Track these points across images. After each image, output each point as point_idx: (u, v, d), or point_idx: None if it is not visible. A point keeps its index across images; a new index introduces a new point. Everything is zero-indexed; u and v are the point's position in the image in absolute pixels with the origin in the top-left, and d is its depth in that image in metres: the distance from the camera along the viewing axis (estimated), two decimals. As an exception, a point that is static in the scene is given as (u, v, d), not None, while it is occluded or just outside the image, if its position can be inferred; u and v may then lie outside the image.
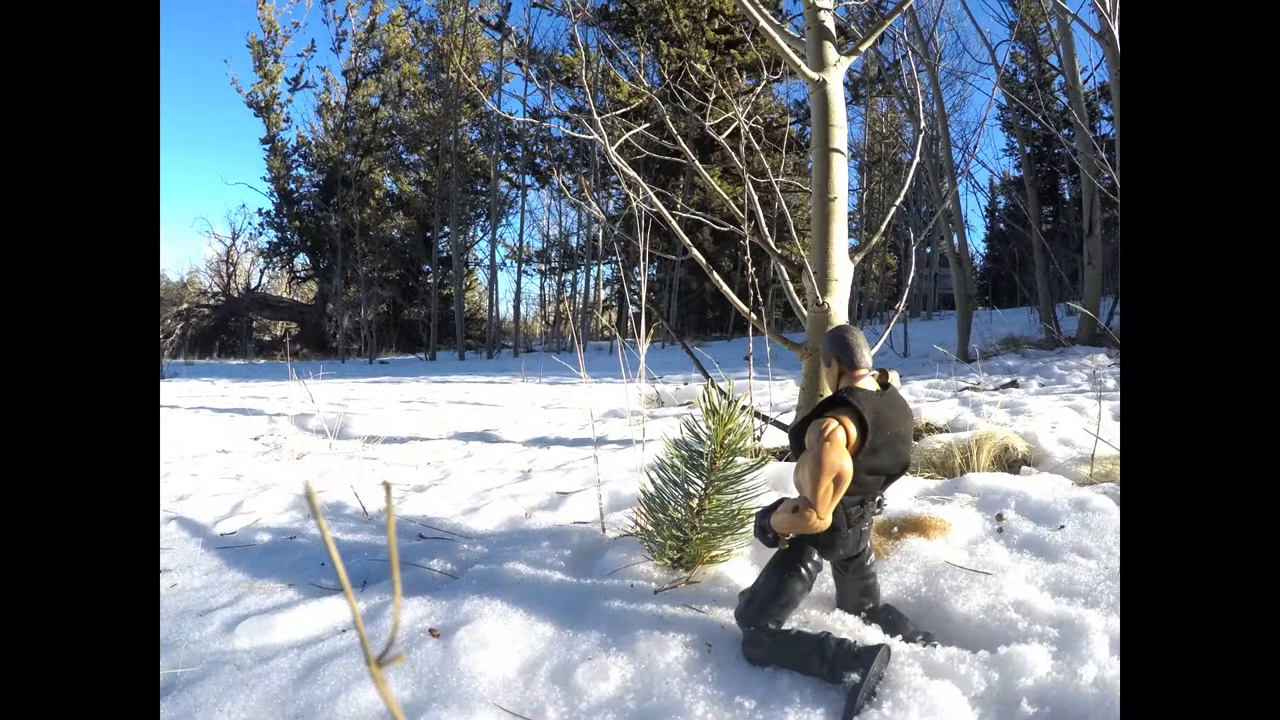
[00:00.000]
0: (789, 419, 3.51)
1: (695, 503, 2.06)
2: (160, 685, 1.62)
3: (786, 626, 1.61)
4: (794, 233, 4.22)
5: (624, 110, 4.78)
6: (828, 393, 3.22)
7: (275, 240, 28.21)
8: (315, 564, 2.35)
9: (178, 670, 1.68)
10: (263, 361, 21.53)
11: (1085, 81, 9.97)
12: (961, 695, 1.37)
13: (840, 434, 1.50)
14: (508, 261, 25.40)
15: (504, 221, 25.49)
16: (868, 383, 1.64)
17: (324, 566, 2.31)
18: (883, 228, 3.97)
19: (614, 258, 23.17)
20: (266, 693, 1.55)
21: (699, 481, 2.08)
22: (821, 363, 1.76)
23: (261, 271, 29.95)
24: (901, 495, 2.66)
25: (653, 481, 2.18)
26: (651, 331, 4.35)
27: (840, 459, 1.48)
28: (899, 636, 1.62)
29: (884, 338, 3.75)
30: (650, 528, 2.14)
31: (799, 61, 3.14)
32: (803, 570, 1.63)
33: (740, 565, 2.09)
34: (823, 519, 1.50)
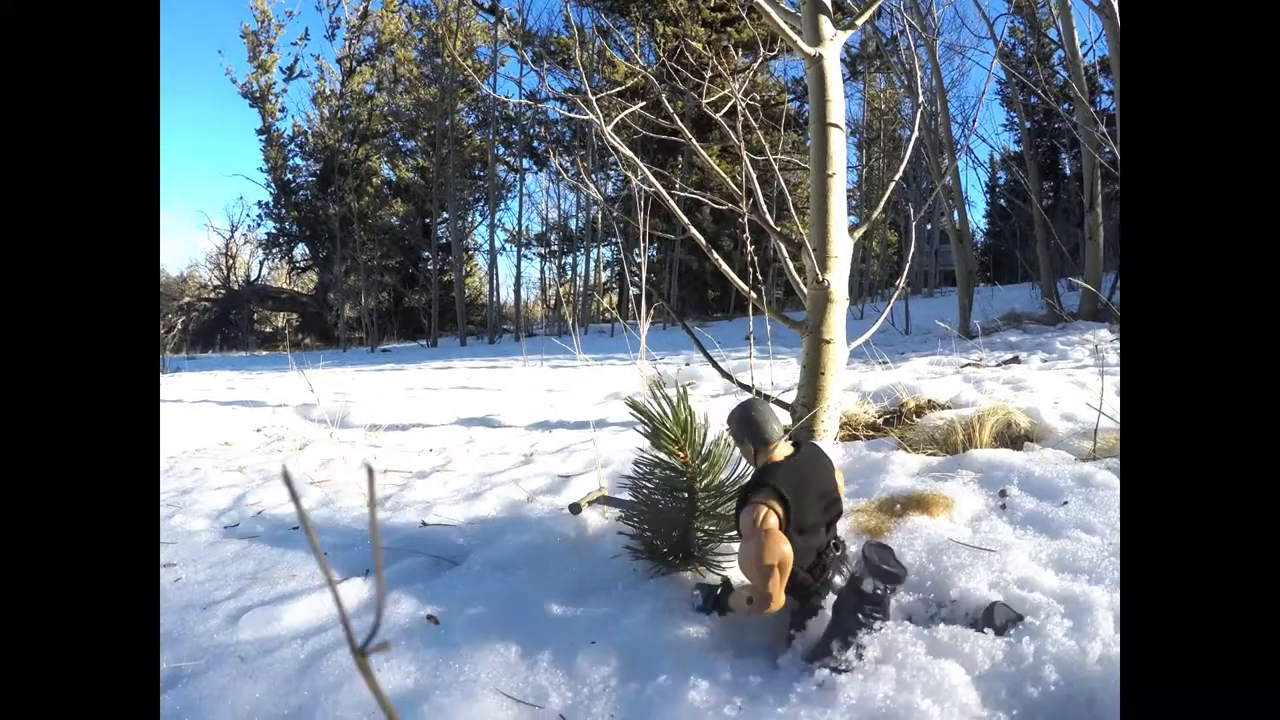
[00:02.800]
0: (790, 397, 3.49)
1: (683, 517, 1.95)
2: (164, 678, 1.62)
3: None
4: (793, 211, 4.18)
5: (620, 90, 4.73)
6: (828, 373, 3.22)
7: (274, 231, 28.17)
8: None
9: (182, 663, 1.68)
10: (264, 353, 21.54)
11: (1085, 55, 9.86)
12: (966, 674, 1.36)
13: (773, 519, 1.56)
14: (507, 246, 25.36)
15: (503, 206, 25.41)
16: (783, 448, 1.74)
17: (327, 556, 2.31)
18: (881, 204, 3.94)
19: (614, 239, 23.10)
20: (270, 683, 1.55)
21: (682, 498, 1.95)
22: (735, 442, 1.83)
23: (261, 263, 29.91)
24: (904, 473, 2.65)
25: (632, 505, 2.05)
26: (652, 313, 4.34)
27: (779, 546, 1.53)
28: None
29: (884, 314, 3.72)
30: (642, 546, 2.01)
31: (795, 37, 3.10)
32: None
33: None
34: (778, 599, 1.55)
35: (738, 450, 1.85)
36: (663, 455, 1.95)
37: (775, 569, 1.53)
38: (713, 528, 1.97)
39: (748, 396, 1.83)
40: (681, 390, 1.99)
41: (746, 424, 1.76)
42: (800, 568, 1.62)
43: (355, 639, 0.41)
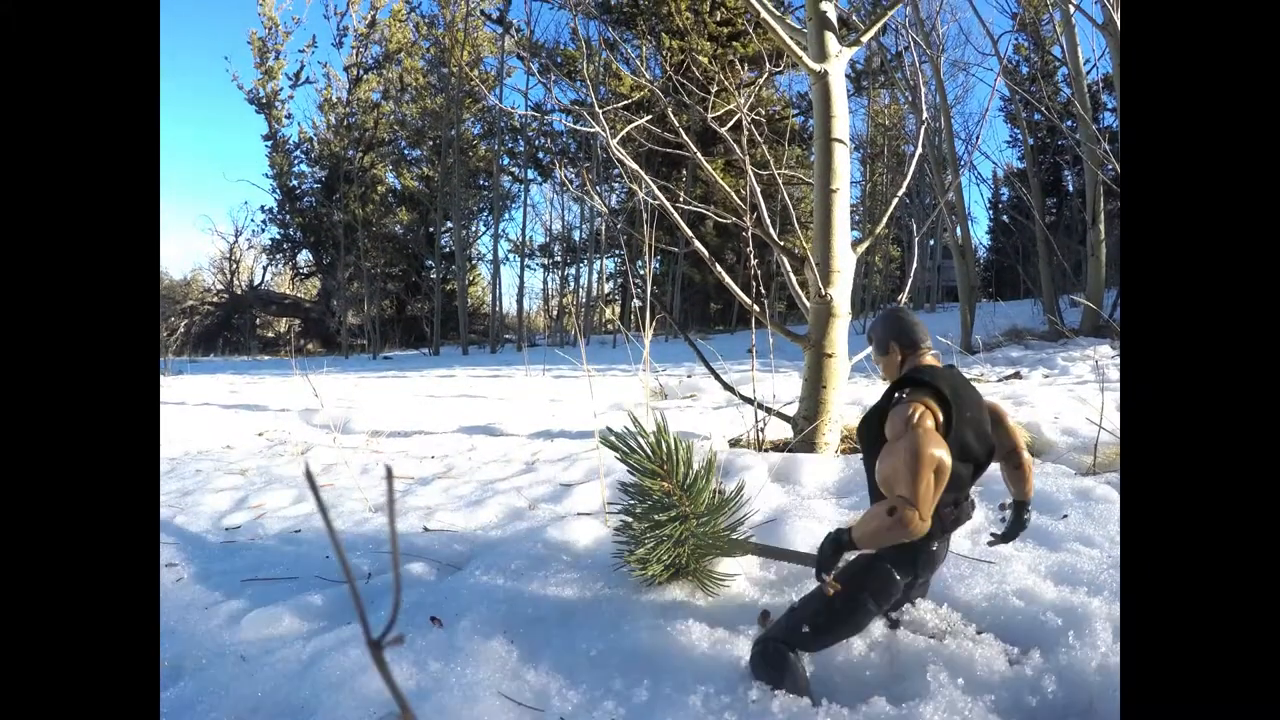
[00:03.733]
0: (792, 410, 3.50)
1: (678, 536, 1.90)
2: (166, 676, 1.63)
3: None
4: (797, 225, 4.22)
5: (626, 103, 4.77)
6: (830, 386, 3.22)
7: (278, 237, 28.19)
8: (319, 557, 2.36)
9: (184, 661, 1.69)
10: (266, 358, 21.55)
11: (1088, 73, 9.93)
12: (965, 681, 1.37)
13: (930, 420, 1.32)
14: (510, 256, 25.41)
15: (507, 216, 25.45)
16: (932, 361, 1.50)
17: (328, 559, 2.32)
18: (885, 219, 3.96)
19: (617, 251, 23.15)
20: (271, 682, 1.56)
21: (675, 525, 1.90)
22: (875, 352, 1.58)
23: (264, 268, 29.91)
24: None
25: (625, 530, 2.02)
26: (654, 324, 4.35)
27: (937, 448, 1.28)
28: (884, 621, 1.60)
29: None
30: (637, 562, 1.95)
31: (800, 53, 3.13)
32: (874, 604, 1.42)
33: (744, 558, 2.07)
34: (925, 520, 1.27)
35: (719, 478, 1.73)
36: (647, 483, 1.92)
37: (930, 473, 1.26)
38: (702, 548, 1.93)
39: (889, 306, 1.65)
40: (661, 421, 1.95)
41: (895, 324, 1.52)
42: (941, 505, 1.37)
43: (370, 630, 0.42)
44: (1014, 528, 1.65)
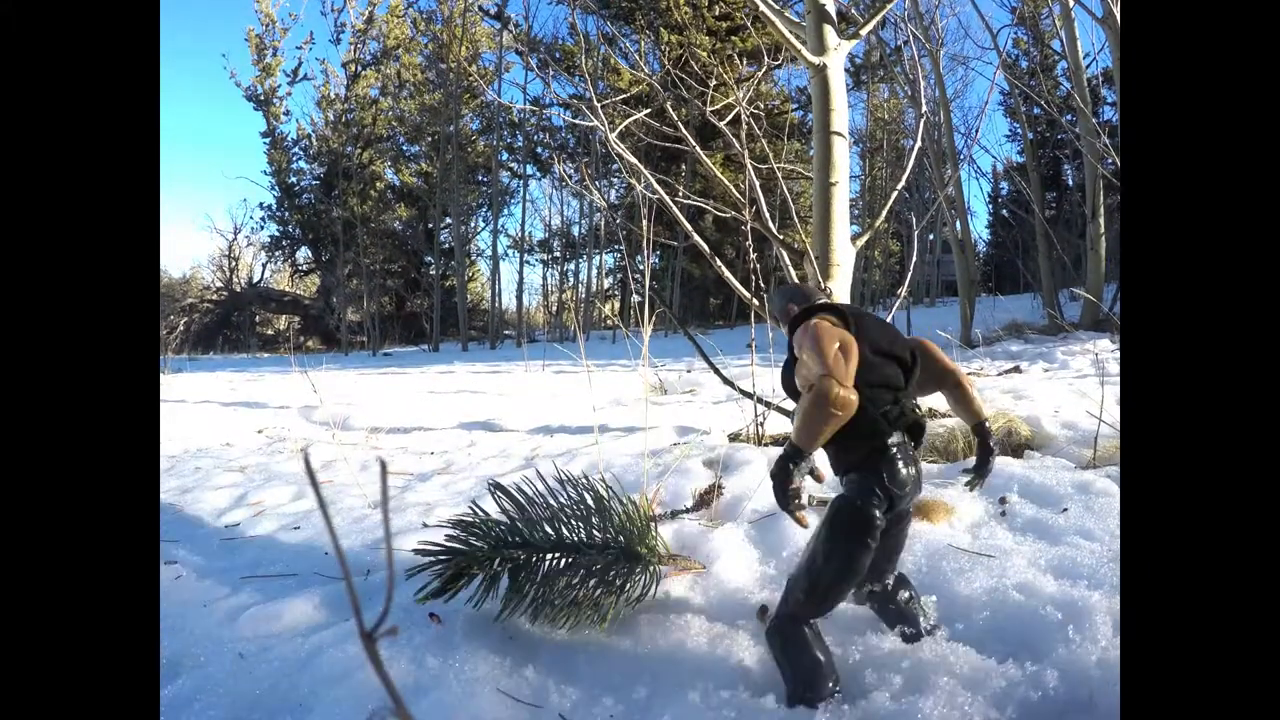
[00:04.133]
0: (791, 404, 3.50)
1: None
2: (165, 673, 1.62)
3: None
4: (796, 219, 4.21)
5: (624, 97, 4.75)
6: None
7: (277, 234, 28.16)
8: (318, 553, 2.35)
9: (182, 659, 1.68)
10: (266, 355, 21.56)
11: (1088, 67, 9.90)
12: (964, 676, 1.37)
13: (827, 322, 1.35)
14: (510, 252, 25.41)
15: (506, 211, 25.45)
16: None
17: (327, 556, 2.32)
18: (884, 213, 3.95)
19: (617, 246, 23.16)
20: (270, 679, 1.55)
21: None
22: (781, 322, 1.60)
23: (264, 266, 29.89)
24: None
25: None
26: (654, 319, 4.35)
27: (837, 331, 1.30)
28: (897, 632, 1.57)
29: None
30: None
31: (799, 46, 3.12)
32: (857, 540, 1.37)
33: (737, 544, 2.07)
34: (847, 389, 1.25)
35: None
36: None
37: (834, 346, 1.27)
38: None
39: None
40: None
41: (786, 292, 1.58)
42: (873, 405, 1.35)
43: (364, 624, 0.41)
44: (982, 454, 1.57)
